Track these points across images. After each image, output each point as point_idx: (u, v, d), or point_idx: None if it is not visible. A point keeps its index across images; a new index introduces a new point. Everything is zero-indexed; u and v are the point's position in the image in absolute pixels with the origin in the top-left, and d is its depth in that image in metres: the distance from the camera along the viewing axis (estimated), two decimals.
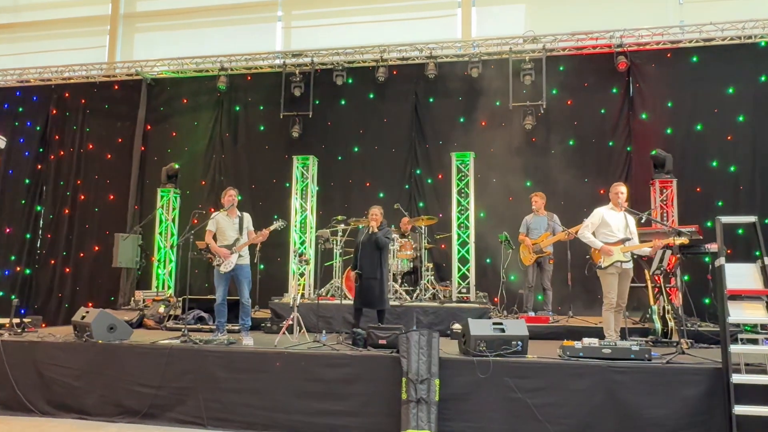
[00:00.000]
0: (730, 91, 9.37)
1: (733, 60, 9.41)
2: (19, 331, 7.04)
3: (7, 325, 7.19)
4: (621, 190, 6.34)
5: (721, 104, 9.37)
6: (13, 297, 9.56)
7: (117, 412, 5.94)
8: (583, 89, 9.98)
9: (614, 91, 9.87)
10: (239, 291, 6.86)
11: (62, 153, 11.75)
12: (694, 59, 9.61)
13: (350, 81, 10.66)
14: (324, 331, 6.83)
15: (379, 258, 6.89)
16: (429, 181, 10.40)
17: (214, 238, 6.88)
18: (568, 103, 10.00)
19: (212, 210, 9.06)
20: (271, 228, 6.88)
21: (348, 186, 10.61)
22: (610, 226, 6.27)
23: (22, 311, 10.74)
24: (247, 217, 7.04)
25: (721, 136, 9.32)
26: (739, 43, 9.40)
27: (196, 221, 7.87)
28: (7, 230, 11.68)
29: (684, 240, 6.22)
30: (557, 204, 9.21)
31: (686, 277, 8.37)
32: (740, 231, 8.59)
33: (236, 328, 7.09)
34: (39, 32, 12.92)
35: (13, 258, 11.53)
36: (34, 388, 6.20)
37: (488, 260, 9.63)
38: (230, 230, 6.85)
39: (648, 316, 7.13)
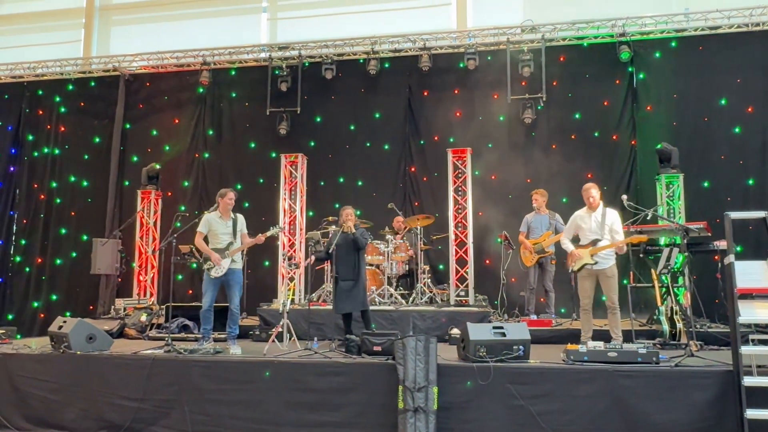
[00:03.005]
0: (738, 81, 9.42)
1: (741, 48, 9.47)
2: None
3: None
4: (593, 194, 6.57)
5: (728, 95, 9.43)
6: None
7: (98, 426, 5.93)
8: (584, 81, 10.03)
9: (617, 82, 9.91)
10: (229, 297, 6.86)
11: (36, 154, 11.69)
12: (700, 48, 9.66)
13: (340, 75, 10.64)
14: (315, 339, 6.83)
15: (357, 259, 6.95)
16: (424, 178, 10.42)
17: (205, 239, 6.86)
18: (569, 95, 10.04)
19: (195, 212, 9.02)
20: (268, 234, 6.92)
21: (339, 185, 10.60)
22: (583, 229, 6.62)
23: None
24: (240, 219, 7.02)
25: (729, 129, 9.38)
26: (746, 30, 9.45)
27: (179, 224, 7.83)
28: None
29: (642, 238, 6.57)
30: (559, 201, 9.25)
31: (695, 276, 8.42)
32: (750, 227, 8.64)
33: (222, 336, 7.09)
34: (9, 26, 12.85)
35: None
36: (9, 403, 6.18)
37: (487, 261, 9.66)
38: (223, 233, 6.84)
39: (655, 317, 7.16)
